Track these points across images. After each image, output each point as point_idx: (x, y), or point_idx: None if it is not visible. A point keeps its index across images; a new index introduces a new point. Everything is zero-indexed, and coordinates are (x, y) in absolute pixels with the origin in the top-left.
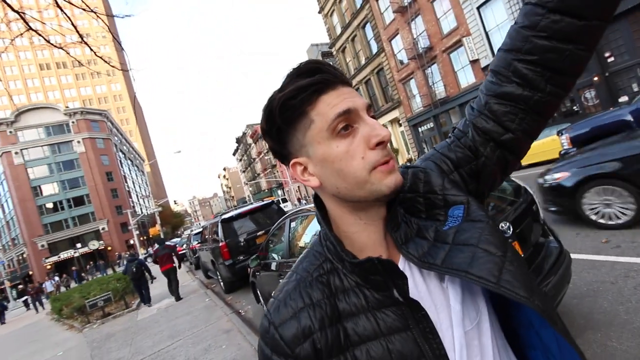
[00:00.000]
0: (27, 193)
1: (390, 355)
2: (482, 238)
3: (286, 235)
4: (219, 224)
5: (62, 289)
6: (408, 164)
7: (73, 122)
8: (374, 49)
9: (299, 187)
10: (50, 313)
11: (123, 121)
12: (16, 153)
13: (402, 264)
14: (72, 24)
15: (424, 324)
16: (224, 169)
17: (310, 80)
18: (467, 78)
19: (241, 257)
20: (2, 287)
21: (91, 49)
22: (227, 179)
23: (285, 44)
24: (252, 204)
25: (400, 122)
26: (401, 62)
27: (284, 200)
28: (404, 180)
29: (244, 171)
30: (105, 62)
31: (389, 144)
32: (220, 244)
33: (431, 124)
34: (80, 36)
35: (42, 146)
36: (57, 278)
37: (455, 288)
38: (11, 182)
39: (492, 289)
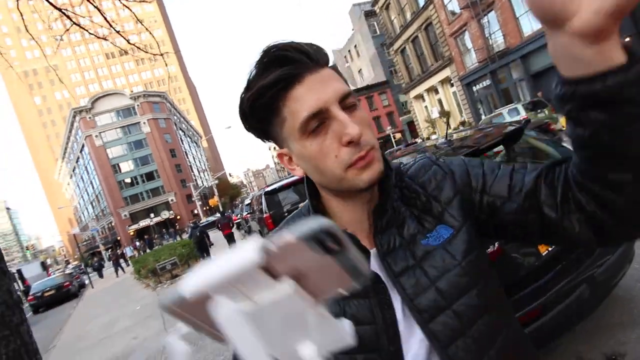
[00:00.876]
0: (108, 171)
1: (344, 316)
2: (444, 277)
3: None
4: (263, 196)
5: (140, 253)
6: (440, 160)
7: (138, 105)
8: (421, 2)
9: None
10: (133, 273)
11: (180, 101)
12: (96, 136)
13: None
14: (133, 15)
15: (382, 295)
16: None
17: (274, 77)
18: (531, 25)
19: None
20: (98, 249)
21: (152, 35)
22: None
23: (326, 4)
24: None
25: (452, 81)
26: (452, 13)
27: None
28: (425, 172)
29: None
30: (143, 52)
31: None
32: (265, 215)
33: (487, 81)
34: (140, 21)
35: (115, 129)
36: (137, 243)
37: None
38: (96, 162)
39: (420, 326)
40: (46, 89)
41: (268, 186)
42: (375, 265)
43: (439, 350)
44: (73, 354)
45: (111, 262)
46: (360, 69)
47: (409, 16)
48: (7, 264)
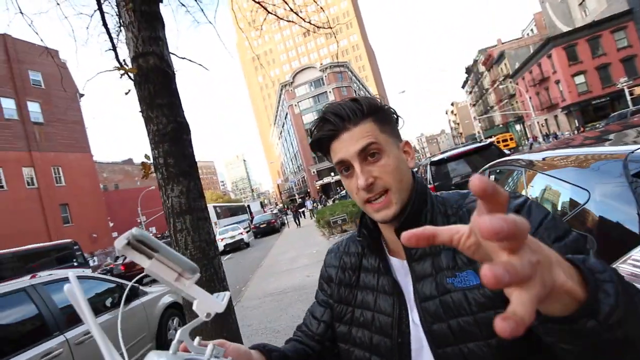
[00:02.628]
0: (303, 134)
1: (375, 303)
2: (456, 319)
3: None
4: (428, 166)
5: (319, 206)
6: (518, 201)
7: (325, 76)
8: None
9: (546, 120)
10: (315, 222)
11: (360, 69)
12: (295, 105)
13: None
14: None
15: (401, 298)
16: (452, 104)
17: (320, 135)
18: None
19: None
20: (294, 198)
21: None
22: (455, 115)
23: None
24: (466, 145)
25: None
26: None
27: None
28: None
29: (473, 105)
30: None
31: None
32: (429, 187)
33: None
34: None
35: (308, 98)
36: (312, 201)
37: None
38: (294, 127)
39: (431, 348)
40: (265, 69)
41: (435, 155)
42: (401, 277)
43: (425, 333)
44: (268, 276)
45: (292, 213)
46: (583, 0)
47: None
48: (243, 200)
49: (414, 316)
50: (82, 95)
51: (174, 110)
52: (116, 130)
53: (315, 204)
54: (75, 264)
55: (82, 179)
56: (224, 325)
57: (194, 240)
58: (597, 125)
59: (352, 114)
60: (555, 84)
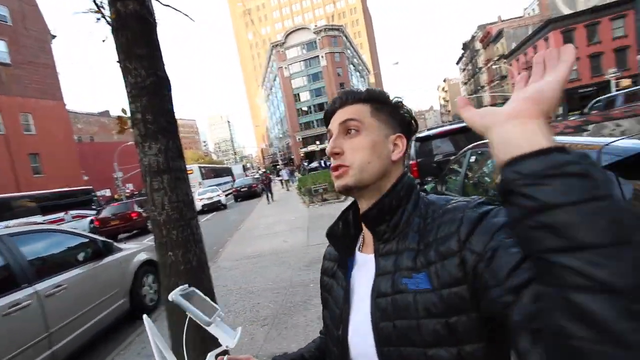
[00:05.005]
0: (291, 99)
1: (336, 294)
2: (401, 320)
3: (463, 171)
4: (412, 141)
5: (296, 175)
6: (477, 208)
7: (319, 39)
8: None
9: None
10: (296, 189)
11: (356, 34)
12: (285, 68)
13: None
14: None
15: (347, 294)
16: (444, 80)
17: (326, 109)
18: None
19: (429, 179)
20: (278, 163)
21: None
22: (446, 92)
23: None
24: (452, 123)
25: None
26: None
27: None
28: (447, 215)
29: (465, 83)
30: None
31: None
32: (411, 162)
33: None
34: None
35: (299, 62)
36: (288, 170)
37: None
38: (283, 91)
39: (376, 347)
40: (256, 26)
41: (421, 131)
42: (357, 267)
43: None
44: (247, 239)
45: (262, 188)
46: None
47: None
48: (225, 162)
49: (365, 311)
50: (53, 36)
51: (154, 62)
52: (93, 80)
53: (295, 173)
54: (94, 208)
55: (54, 128)
56: (197, 284)
57: (171, 200)
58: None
59: (350, 96)
60: None
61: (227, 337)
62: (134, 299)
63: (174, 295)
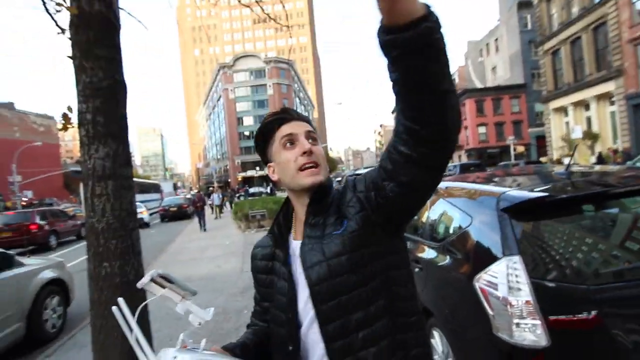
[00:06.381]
0: (234, 122)
1: (278, 286)
2: (329, 244)
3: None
4: (346, 178)
5: (227, 204)
6: (352, 176)
7: (268, 69)
8: None
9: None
10: (232, 214)
11: (303, 70)
12: (231, 90)
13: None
14: None
15: (292, 284)
16: (381, 126)
17: (273, 118)
18: None
19: None
20: (213, 186)
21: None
22: (382, 136)
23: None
24: None
25: (614, 98)
26: None
27: None
28: (346, 184)
29: None
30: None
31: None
32: None
33: None
34: None
35: (246, 87)
36: (219, 195)
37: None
38: (226, 112)
39: (303, 267)
40: (204, 44)
41: (358, 169)
42: (296, 250)
43: (310, 289)
44: (173, 263)
45: (194, 210)
46: (495, 66)
47: (575, 11)
48: (153, 178)
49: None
50: None
51: (113, 65)
52: None
53: (226, 197)
54: None
55: None
56: (131, 299)
57: (113, 208)
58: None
59: (299, 115)
60: (464, 129)
61: (202, 312)
62: (31, 323)
63: (154, 274)
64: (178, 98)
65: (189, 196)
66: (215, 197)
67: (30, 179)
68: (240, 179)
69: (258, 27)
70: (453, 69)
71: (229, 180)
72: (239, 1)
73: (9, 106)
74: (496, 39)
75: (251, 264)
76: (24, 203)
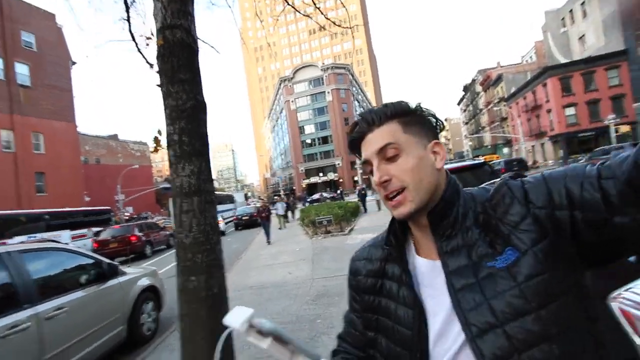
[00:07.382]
0: (296, 131)
1: (395, 314)
2: (499, 296)
3: None
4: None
5: (297, 207)
6: (514, 180)
7: (326, 76)
8: None
9: (533, 146)
10: (299, 220)
11: (361, 73)
12: (292, 101)
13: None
14: None
15: (422, 313)
16: (445, 119)
17: (352, 137)
18: None
19: None
20: (279, 195)
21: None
22: (447, 130)
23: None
24: (459, 161)
25: None
26: None
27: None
28: (496, 195)
29: (466, 123)
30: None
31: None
32: None
33: None
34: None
35: (306, 96)
36: (284, 204)
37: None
38: (288, 123)
39: (469, 340)
40: (266, 61)
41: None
42: (428, 281)
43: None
44: (249, 270)
45: (260, 220)
46: (583, 35)
47: None
48: (227, 190)
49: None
50: (74, 63)
51: (194, 87)
52: (104, 104)
53: (291, 204)
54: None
55: (63, 149)
56: (216, 312)
57: (199, 222)
58: (579, 158)
59: (376, 117)
60: (546, 112)
61: None
62: (131, 327)
63: (264, 325)
64: (245, 114)
65: (258, 205)
66: (279, 206)
67: (130, 197)
68: (304, 186)
69: (314, 38)
70: (529, 45)
71: (294, 187)
72: (300, 12)
73: (114, 137)
74: (582, 2)
75: (351, 280)
76: (126, 217)
